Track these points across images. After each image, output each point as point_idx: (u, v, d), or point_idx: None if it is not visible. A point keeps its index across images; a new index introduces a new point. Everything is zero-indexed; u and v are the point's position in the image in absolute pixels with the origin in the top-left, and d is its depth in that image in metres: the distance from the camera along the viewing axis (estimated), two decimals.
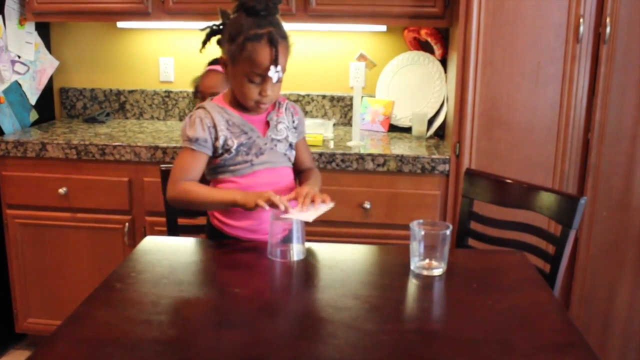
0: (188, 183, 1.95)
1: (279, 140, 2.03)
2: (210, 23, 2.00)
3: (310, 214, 1.88)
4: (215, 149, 1.98)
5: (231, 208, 1.98)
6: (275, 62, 1.88)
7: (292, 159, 2.10)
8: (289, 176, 2.08)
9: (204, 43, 2.01)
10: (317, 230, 2.40)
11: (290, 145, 2.07)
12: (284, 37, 1.92)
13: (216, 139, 1.96)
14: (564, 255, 2.05)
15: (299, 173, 2.18)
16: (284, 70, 1.93)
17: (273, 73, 1.89)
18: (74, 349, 1.40)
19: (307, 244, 1.96)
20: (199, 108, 2.00)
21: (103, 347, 1.39)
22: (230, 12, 1.95)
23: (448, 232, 1.77)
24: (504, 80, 2.69)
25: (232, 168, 1.99)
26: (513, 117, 2.71)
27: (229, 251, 1.99)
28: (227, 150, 1.97)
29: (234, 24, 1.90)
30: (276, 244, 1.87)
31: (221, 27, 1.98)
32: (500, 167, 2.71)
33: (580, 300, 2.87)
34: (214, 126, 1.95)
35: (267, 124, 2.03)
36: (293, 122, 2.10)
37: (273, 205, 1.84)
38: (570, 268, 2.82)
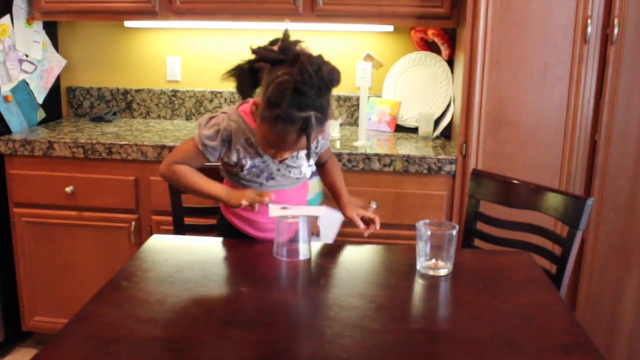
0: (183, 167, 2.00)
1: (294, 167, 2.03)
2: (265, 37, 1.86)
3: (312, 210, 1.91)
4: (223, 158, 1.99)
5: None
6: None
7: (306, 176, 2.10)
8: (296, 197, 2.08)
9: (252, 62, 1.86)
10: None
11: (303, 166, 2.06)
12: (322, 121, 1.76)
13: (228, 150, 1.96)
14: (570, 256, 2.05)
15: (319, 166, 2.20)
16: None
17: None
18: (80, 347, 1.40)
19: (313, 244, 1.96)
20: (225, 113, 1.97)
21: (109, 345, 1.40)
22: (292, 43, 1.77)
23: (454, 232, 1.76)
24: (511, 81, 2.68)
25: (242, 182, 2.01)
26: (520, 117, 2.70)
27: (235, 250, 2.00)
28: (241, 168, 1.98)
29: (278, 87, 1.71)
30: (282, 243, 1.87)
31: (276, 59, 1.77)
32: (506, 167, 2.70)
33: (586, 301, 2.86)
34: (230, 141, 1.95)
35: None
36: (316, 147, 2.07)
37: (255, 201, 1.88)
38: (577, 269, 2.81)
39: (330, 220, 2.10)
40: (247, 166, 1.96)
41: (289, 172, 2.02)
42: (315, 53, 1.76)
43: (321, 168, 2.22)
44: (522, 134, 2.71)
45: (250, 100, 2.00)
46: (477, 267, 1.89)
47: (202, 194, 2.01)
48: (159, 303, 1.59)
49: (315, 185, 2.43)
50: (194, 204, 2.41)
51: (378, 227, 2.03)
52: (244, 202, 1.90)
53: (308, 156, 1.83)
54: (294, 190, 2.07)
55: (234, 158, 1.96)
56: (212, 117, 1.97)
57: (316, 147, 2.07)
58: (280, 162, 1.99)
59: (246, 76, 2.14)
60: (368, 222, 2.04)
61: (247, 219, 2.08)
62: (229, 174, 2.04)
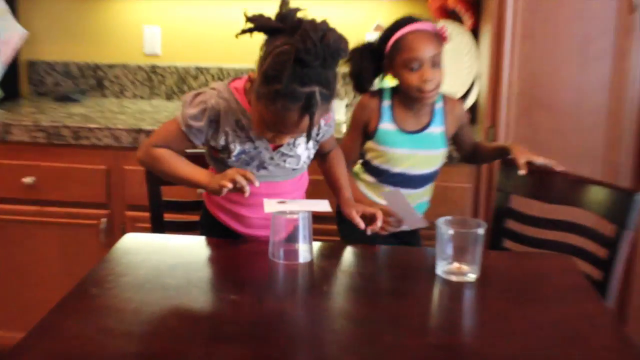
0: (163, 150, 2.00)
1: (290, 156, 2.02)
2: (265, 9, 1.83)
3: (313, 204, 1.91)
4: (209, 141, 1.98)
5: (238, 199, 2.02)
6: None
7: (304, 166, 2.10)
8: (292, 191, 2.08)
9: (246, 31, 1.82)
10: (327, 228, 2.39)
11: (301, 156, 2.05)
12: (328, 98, 1.77)
13: (215, 132, 1.95)
14: (617, 260, 2.06)
15: (321, 156, 2.20)
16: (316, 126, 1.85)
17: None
18: None
19: (316, 244, 1.96)
20: (214, 89, 1.97)
21: None
22: (292, 10, 1.77)
23: (481, 231, 1.76)
24: (545, 55, 2.68)
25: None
26: (556, 98, 2.70)
27: (224, 251, 2.00)
28: (228, 154, 1.97)
29: (277, 58, 1.70)
30: (279, 243, 1.86)
31: (274, 27, 1.78)
32: (541, 156, 2.68)
33: (638, 313, 2.86)
34: (218, 122, 1.94)
35: None
36: (317, 134, 2.06)
37: (239, 185, 1.85)
38: (626, 275, 2.79)
39: (400, 204, 2.06)
40: (236, 152, 1.96)
41: (284, 161, 2.01)
42: (318, 20, 1.75)
43: (323, 159, 2.22)
44: (559, 117, 2.71)
45: (244, 76, 1.99)
46: (507, 272, 1.90)
47: (184, 181, 2.01)
48: (134, 313, 1.59)
49: (426, 192, 2.41)
50: (175, 197, 2.40)
51: (379, 224, 2.01)
52: (227, 185, 1.86)
53: (308, 137, 1.81)
54: (288, 183, 2.06)
55: (221, 142, 1.95)
56: (198, 94, 1.97)
57: (317, 134, 2.06)
58: (275, 149, 1.98)
59: (367, 61, 2.09)
60: (370, 219, 2.03)
61: (233, 212, 2.08)
62: (214, 160, 2.04)
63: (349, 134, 2.39)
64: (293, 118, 1.74)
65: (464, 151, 2.51)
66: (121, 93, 3.57)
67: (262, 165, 1.99)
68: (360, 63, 2.30)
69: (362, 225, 2.00)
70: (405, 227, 2.10)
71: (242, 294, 1.71)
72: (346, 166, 2.28)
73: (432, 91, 2.23)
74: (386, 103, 2.32)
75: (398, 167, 2.31)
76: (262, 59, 1.76)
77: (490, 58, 2.73)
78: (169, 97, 3.54)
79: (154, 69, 3.53)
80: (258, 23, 1.79)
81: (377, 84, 2.43)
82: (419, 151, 2.32)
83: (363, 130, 2.32)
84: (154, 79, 3.54)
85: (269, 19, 1.78)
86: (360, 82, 2.34)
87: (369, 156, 2.34)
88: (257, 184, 1.86)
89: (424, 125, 2.33)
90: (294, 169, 2.04)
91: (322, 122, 2.02)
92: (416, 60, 2.20)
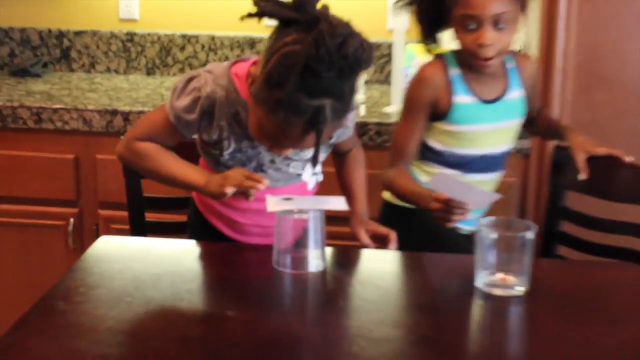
0: (149, 145, 2.02)
1: (295, 160, 2.03)
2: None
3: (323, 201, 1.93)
4: (201, 133, 2.00)
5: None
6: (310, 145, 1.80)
7: (311, 185, 2.12)
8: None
9: (252, 15, 1.80)
10: (342, 231, 2.39)
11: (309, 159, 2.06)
12: (341, 113, 1.74)
13: (209, 125, 1.96)
14: None
15: (338, 155, 2.22)
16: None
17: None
18: None
19: (328, 249, 1.96)
20: (210, 72, 1.96)
21: None
22: (313, 4, 1.73)
23: (530, 235, 1.75)
24: (609, 21, 2.69)
25: (221, 168, 2.01)
26: (622, 73, 2.71)
27: (220, 259, 2.01)
28: (221, 151, 1.98)
29: (283, 60, 1.68)
30: (285, 249, 1.87)
31: (286, 18, 1.75)
32: (604, 145, 2.68)
33: None
34: (212, 113, 1.95)
35: None
36: (330, 138, 2.03)
37: (242, 189, 1.87)
38: None
39: (454, 187, 2.04)
40: (230, 150, 1.97)
41: (287, 165, 2.03)
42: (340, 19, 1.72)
43: (339, 158, 2.23)
44: (625, 96, 2.73)
45: (250, 59, 1.99)
46: (562, 285, 1.89)
47: (175, 182, 2.02)
48: (110, 332, 1.58)
49: (490, 182, 2.39)
50: (159, 193, 2.41)
51: (393, 247, 2.02)
52: (229, 191, 1.88)
53: (314, 162, 1.81)
54: (291, 189, 2.07)
55: (214, 136, 1.97)
56: (191, 79, 1.97)
57: (330, 137, 2.04)
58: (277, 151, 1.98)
59: (423, 10, 2.15)
60: (384, 240, 2.04)
61: (224, 216, 2.10)
62: (206, 154, 2.06)
63: (407, 122, 2.29)
64: (296, 132, 1.72)
65: (528, 116, 2.43)
66: (92, 66, 3.58)
67: (260, 168, 2.01)
68: (417, 12, 2.28)
69: (371, 246, 2.02)
70: (475, 208, 2.06)
71: (241, 310, 1.71)
72: (404, 163, 2.27)
73: (491, 59, 2.16)
74: (454, 72, 2.25)
75: (480, 148, 2.28)
76: (267, 55, 1.73)
77: (542, 24, 2.73)
78: (149, 72, 3.55)
79: (131, 37, 3.54)
80: (267, 9, 1.75)
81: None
82: (500, 123, 2.29)
83: (429, 112, 2.25)
84: (132, 50, 3.55)
85: (281, 5, 1.74)
86: (423, 26, 2.30)
87: (435, 142, 2.29)
88: (267, 182, 1.87)
89: (503, 91, 2.29)
90: (298, 174, 2.06)
91: (337, 131, 2.01)
92: (473, 18, 2.12)
